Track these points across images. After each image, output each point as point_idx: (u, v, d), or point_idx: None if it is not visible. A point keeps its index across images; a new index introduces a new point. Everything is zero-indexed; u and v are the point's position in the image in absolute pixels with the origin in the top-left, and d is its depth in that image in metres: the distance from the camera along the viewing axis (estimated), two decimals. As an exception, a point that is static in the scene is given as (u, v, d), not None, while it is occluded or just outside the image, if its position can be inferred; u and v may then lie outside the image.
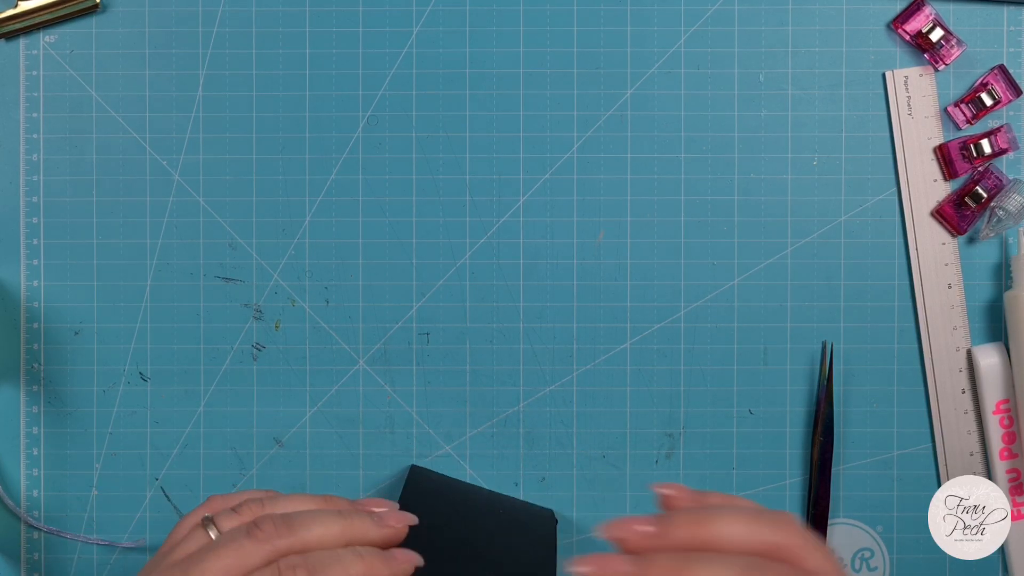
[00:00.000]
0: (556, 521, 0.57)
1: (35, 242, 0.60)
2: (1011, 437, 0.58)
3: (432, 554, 0.44)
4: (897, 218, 0.59)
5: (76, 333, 0.60)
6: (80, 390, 0.60)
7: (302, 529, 0.42)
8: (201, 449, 0.60)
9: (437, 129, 0.59)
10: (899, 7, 0.59)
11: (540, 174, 0.59)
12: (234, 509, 0.43)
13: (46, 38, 0.60)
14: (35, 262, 0.60)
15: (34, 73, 0.59)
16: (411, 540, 0.44)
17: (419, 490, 0.56)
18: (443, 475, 0.59)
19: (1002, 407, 0.58)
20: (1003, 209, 0.57)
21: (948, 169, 0.58)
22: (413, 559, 0.42)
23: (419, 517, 0.45)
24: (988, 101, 0.58)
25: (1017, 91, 0.58)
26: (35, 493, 0.60)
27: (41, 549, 0.60)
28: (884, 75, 0.59)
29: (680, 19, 0.59)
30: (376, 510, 0.44)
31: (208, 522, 0.42)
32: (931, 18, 0.58)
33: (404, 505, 0.46)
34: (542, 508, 0.58)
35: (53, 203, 0.60)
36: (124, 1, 0.60)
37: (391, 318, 0.59)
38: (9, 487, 0.60)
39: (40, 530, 0.60)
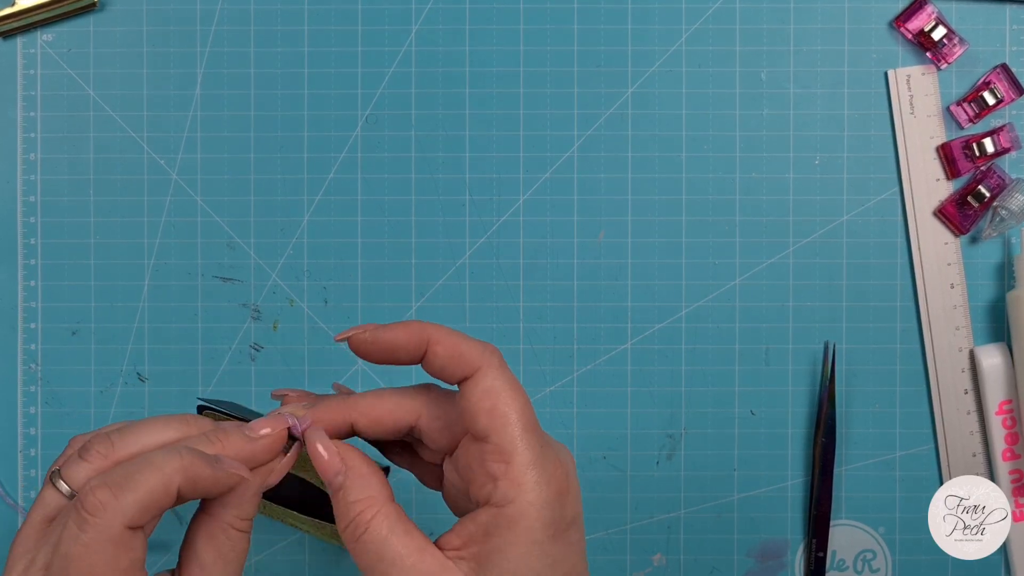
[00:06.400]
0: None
1: (32, 242, 0.59)
2: (1014, 438, 0.58)
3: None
4: (899, 218, 0.59)
5: (73, 333, 0.59)
6: (78, 390, 0.59)
7: (129, 444, 0.39)
8: (199, 450, 0.59)
9: (436, 128, 0.59)
10: (901, 6, 0.58)
11: (540, 173, 0.59)
12: (81, 454, 0.39)
13: (43, 37, 0.59)
14: (32, 262, 0.59)
15: (31, 72, 0.59)
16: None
17: None
18: None
19: (1005, 408, 0.58)
20: (1006, 208, 0.57)
21: (950, 168, 0.58)
22: (241, 470, 0.39)
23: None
24: (990, 100, 0.57)
25: (1019, 90, 0.58)
26: (32, 494, 0.60)
27: (38, 550, 0.60)
28: (886, 74, 0.59)
29: (681, 17, 0.59)
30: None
31: (55, 476, 0.39)
32: (933, 17, 0.58)
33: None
34: None
35: (50, 202, 0.59)
36: (121, 0, 0.59)
37: (391, 318, 0.59)
38: (7, 487, 0.59)
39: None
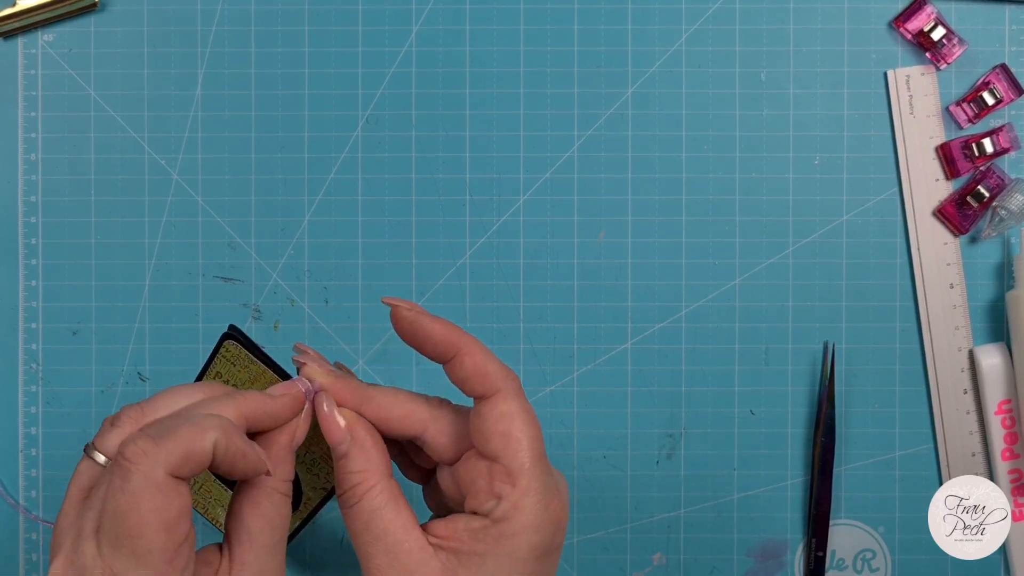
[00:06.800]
0: None
1: (33, 242, 0.59)
2: (1013, 437, 0.58)
3: None
4: (899, 218, 0.59)
5: (74, 333, 0.59)
6: (78, 390, 0.59)
7: (159, 408, 0.40)
8: (200, 450, 0.59)
9: (437, 128, 0.59)
10: (900, 6, 0.59)
11: (540, 173, 0.59)
12: (112, 423, 0.41)
13: (44, 37, 0.59)
14: (33, 262, 0.59)
15: (32, 72, 0.59)
16: None
17: None
18: None
19: (1004, 407, 0.58)
20: (1005, 208, 0.57)
21: (950, 168, 0.58)
22: (263, 455, 0.40)
23: None
24: (990, 100, 0.57)
25: (1019, 90, 0.58)
26: (33, 494, 0.60)
27: (40, 550, 0.60)
28: (886, 74, 0.59)
29: (681, 17, 0.59)
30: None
31: (90, 449, 0.40)
32: (933, 17, 0.58)
33: None
34: None
35: (51, 202, 0.59)
36: (122, 0, 0.59)
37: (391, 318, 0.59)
38: (8, 487, 0.60)
39: (41, 523, 0.59)
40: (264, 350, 0.49)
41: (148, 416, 0.40)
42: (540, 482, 0.41)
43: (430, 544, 0.41)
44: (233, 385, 0.49)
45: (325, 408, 0.43)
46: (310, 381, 0.43)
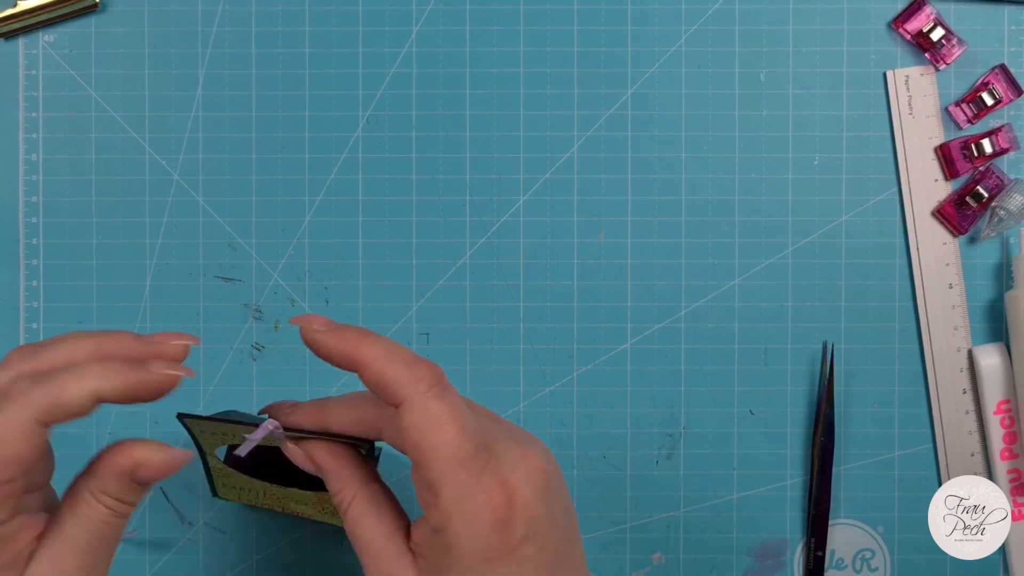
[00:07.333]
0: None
1: (34, 242, 0.59)
2: (1012, 437, 0.58)
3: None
4: (898, 218, 0.59)
5: (75, 333, 0.60)
6: (79, 390, 0.60)
7: (47, 351, 0.40)
8: (201, 449, 0.60)
9: (437, 129, 0.59)
10: (900, 6, 0.59)
11: (540, 174, 0.59)
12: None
13: (45, 37, 0.60)
14: (34, 262, 0.59)
15: (33, 73, 0.59)
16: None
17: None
18: None
19: (1003, 407, 0.58)
20: (1004, 209, 0.57)
21: (949, 169, 0.58)
22: (172, 369, 0.40)
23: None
24: (989, 101, 0.58)
25: (1018, 90, 0.58)
26: (34, 493, 0.60)
27: (40, 549, 0.60)
28: (885, 75, 0.59)
29: (681, 18, 0.59)
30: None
31: None
32: (932, 18, 0.58)
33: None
34: None
35: (52, 203, 0.60)
36: (123, 0, 0.59)
37: (391, 318, 0.59)
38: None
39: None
40: (217, 413, 0.50)
41: (38, 353, 0.40)
42: (461, 489, 0.38)
43: (410, 550, 0.41)
44: (218, 444, 0.51)
45: (289, 446, 0.44)
46: (274, 420, 0.44)
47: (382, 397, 0.40)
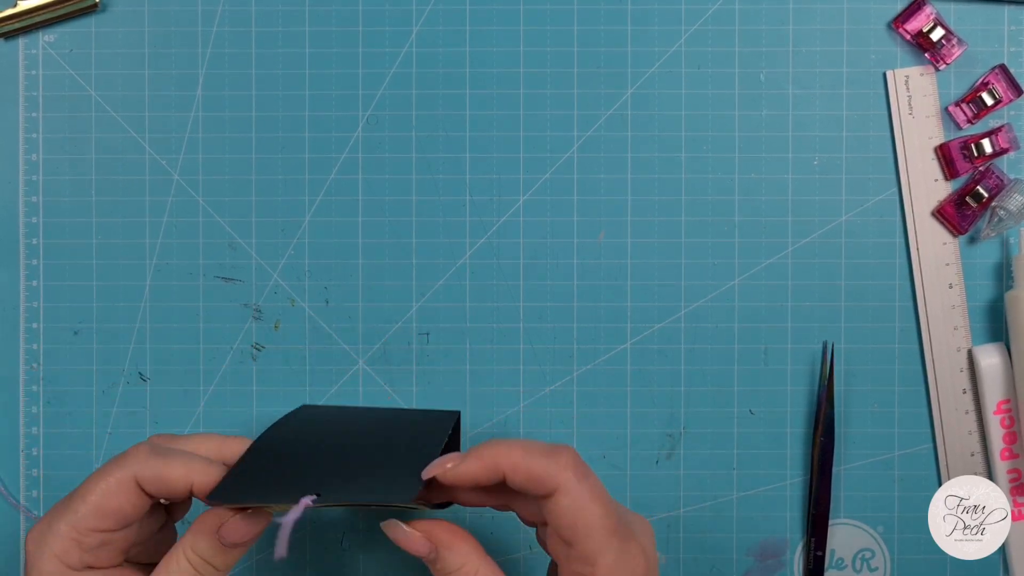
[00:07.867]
0: (458, 413, 0.55)
1: (34, 242, 0.60)
2: (1012, 437, 0.58)
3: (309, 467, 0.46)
4: (898, 218, 0.59)
5: (75, 333, 0.60)
6: (79, 390, 0.60)
7: (181, 438, 0.47)
8: (201, 449, 0.60)
9: (437, 129, 0.59)
10: (900, 6, 0.59)
11: (540, 174, 0.59)
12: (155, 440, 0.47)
13: (45, 38, 0.60)
14: (34, 262, 0.60)
15: (33, 73, 0.59)
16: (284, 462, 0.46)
17: (299, 419, 0.54)
18: (339, 405, 0.58)
19: (1003, 407, 0.58)
20: (1004, 209, 0.57)
21: (949, 169, 0.58)
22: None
23: (290, 438, 0.49)
24: (989, 101, 0.58)
25: (1018, 90, 0.58)
26: (35, 493, 0.60)
27: (40, 549, 0.60)
28: (885, 75, 0.59)
29: (680, 18, 0.59)
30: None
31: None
32: (932, 18, 0.58)
33: (271, 432, 0.49)
34: (448, 411, 0.55)
35: (52, 203, 0.60)
36: (123, 0, 0.59)
37: (391, 318, 0.59)
38: (9, 487, 0.60)
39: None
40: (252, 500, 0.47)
41: (175, 443, 0.46)
42: (615, 558, 0.41)
43: None
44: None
45: (402, 530, 0.43)
46: (309, 496, 0.43)
47: (532, 491, 0.42)
